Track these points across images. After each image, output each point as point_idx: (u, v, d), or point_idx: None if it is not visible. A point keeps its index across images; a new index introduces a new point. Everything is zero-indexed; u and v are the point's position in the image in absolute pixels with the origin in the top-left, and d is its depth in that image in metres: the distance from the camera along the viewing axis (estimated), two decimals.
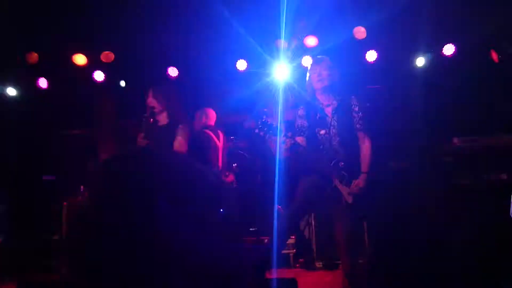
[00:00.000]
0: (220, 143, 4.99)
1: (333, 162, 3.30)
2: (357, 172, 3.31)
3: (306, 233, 5.57)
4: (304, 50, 6.07)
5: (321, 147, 3.35)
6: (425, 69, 5.95)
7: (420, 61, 5.96)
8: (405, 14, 5.56)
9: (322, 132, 3.36)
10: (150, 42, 6.58)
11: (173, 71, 6.58)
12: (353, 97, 3.41)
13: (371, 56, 5.97)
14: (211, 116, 5.28)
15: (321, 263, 5.22)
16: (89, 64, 6.42)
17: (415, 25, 5.54)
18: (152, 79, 6.98)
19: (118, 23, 5.89)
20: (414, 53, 5.94)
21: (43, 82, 6.70)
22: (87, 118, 7.32)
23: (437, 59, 5.93)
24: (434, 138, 5.51)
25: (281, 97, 7.07)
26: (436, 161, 5.43)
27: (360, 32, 5.77)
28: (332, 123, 3.34)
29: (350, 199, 3.28)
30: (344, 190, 3.30)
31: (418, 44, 5.77)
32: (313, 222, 5.36)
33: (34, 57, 6.23)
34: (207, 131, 5.01)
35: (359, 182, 3.27)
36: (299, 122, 3.46)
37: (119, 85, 6.77)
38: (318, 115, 3.38)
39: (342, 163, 3.29)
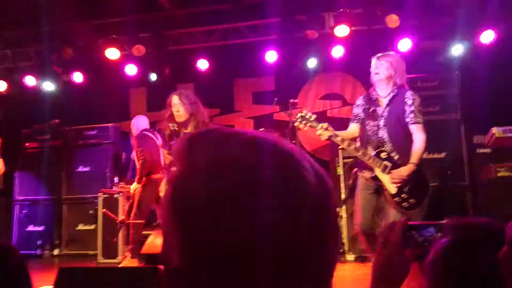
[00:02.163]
0: (159, 142, 5.19)
1: (374, 152, 3.31)
2: (402, 163, 3.28)
3: None
4: (334, 39, 5.96)
5: (369, 139, 3.41)
6: (462, 58, 5.74)
7: (457, 50, 5.75)
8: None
9: (372, 124, 3.42)
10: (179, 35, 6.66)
11: (203, 64, 6.61)
12: (409, 91, 3.44)
13: (405, 45, 5.80)
14: (146, 121, 5.40)
15: (352, 256, 5.17)
16: (121, 58, 6.53)
17: (451, 10, 5.34)
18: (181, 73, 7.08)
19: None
20: (450, 41, 5.73)
21: (78, 77, 6.89)
22: (119, 111, 7.48)
23: (475, 47, 5.71)
24: (471, 128, 5.32)
25: (311, 88, 7.02)
26: (473, 152, 5.25)
27: (392, 20, 5.61)
28: (383, 114, 3.39)
29: (393, 190, 3.24)
30: (385, 179, 3.26)
31: (454, 32, 5.56)
32: (343, 215, 5.30)
33: (69, 52, 6.40)
34: (147, 133, 5.18)
35: (403, 171, 3.23)
36: (355, 110, 3.59)
37: (150, 79, 6.87)
38: (372, 108, 3.46)
39: (385, 153, 3.29)
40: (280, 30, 6.02)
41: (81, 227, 6.17)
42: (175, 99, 3.71)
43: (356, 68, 6.66)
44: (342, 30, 5.75)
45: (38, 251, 6.16)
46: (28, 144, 6.72)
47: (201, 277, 0.54)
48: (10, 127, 6.59)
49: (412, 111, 3.32)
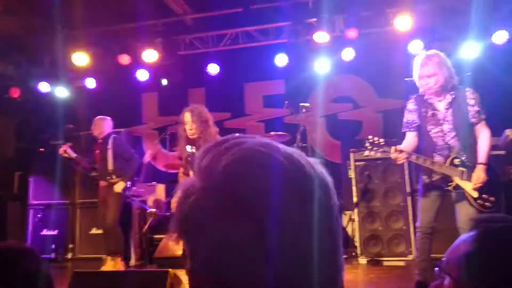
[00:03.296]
0: None
1: (449, 161, 3.23)
2: (472, 163, 3.21)
3: (349, 229, 5.49)
4: (345, 42, 5.95)
5: (437, 147, 3.28)
6: (474, 59, 5.68)
7: (469, 51, 5.69)
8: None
9: (436, 130, 3.28)
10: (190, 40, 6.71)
11: (213, 68, 6.64)
12: (468, 89, 3.27)
13: (416, 46, 5.76)
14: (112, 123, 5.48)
15: (365, 259, 5.14)
16: (133, 64, 6.60)
17: (463, 11, 5.29)
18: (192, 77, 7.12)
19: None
20: (462, 42, 5.68)
21: (90, 82, 6.98)
22: (132, 115, 7.55)
23: (488, 48, 5.65)
24: None
25: (322, 91, 7.00)
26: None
27: (403, 22, 5.58)
28: (447, 118, 3.25)
29: (475, 194, 3.19)
30: (465, 185, 3.21)
31: (466, 32, 5.50)
32: (356, 218, 5.28)
33: (83, 58, 6.48)
34: (117, 136, 5.36)
35: (480, 174, 3.16)
36: (409, 116, 3.39)
37: (161, 83, 6.92)
38: (430, 112, 3.29)
39: (458, 159, 3.22)
40: (290, 33, 6.03)
41: (94, 231, 6.22)
42: (187, 117, 3.80)
43: (367, 71, 6.64)
44: (352, 33, 5.74)
45: (52, 255, 6.23)
46: (42, 149, 6.81)
47: (214, 279, 0.56)
48: (24, 132, 6.70)
49: (477, 111, 3.22)
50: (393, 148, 3.18)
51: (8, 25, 5.87)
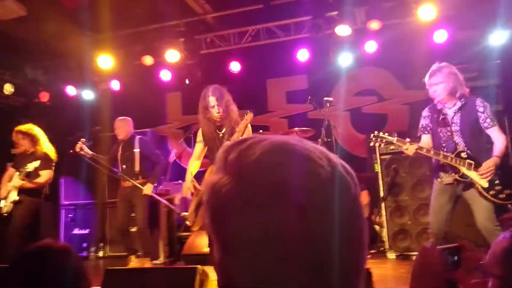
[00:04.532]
0: None
1: (455, 153, 3.40)
2: (483, 159, 3.36)
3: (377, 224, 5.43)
4: (367, 34, 5.87)
5: (444, 144, 3.48)
6: (503, 46, 5.51)
7: (497, 38, 5.52)
8: None
9: (445, 130, 3.52)
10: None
11: (235, 66, 6.66)
12: (478, 99, 3.49)
13: (441, 36, 5.63)
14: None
15: (394, 254, 5.08)
16: (156, 64, 6.68)
17: None
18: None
19: None
20: (489, 30, 5.51)
21: (115, 84, 7.12)
22: (156, 115, 7.67)
23: None
24: None
25: (345, 85, 6.93)
26: None
27: (427, 11, 5.45)
28: (454, 121, 3.48)
29: (485, 183, 3.31)
30: (473, 175, 3.34)
31: (494, 19, 5.34)
32: (383, 212, 5.21)
33: (108, 61, 6.60)
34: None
35: (490, 163, 3.31)
36: (424, 122, 3.67)
37: (184, 83, 6.99)
38: (441, 117, 3.55)
39: (465, 153, 3.39)
40: (311, 28, 5.98)
41: None
42: (212, 101, 3.75)
43: (390, 63, 6.53)
44: (374, 25, 5.65)
45: (84, 253, 6.40)
46: (71, 151, 6.98)
47: (236, 269, 0.58)
48: (54, 135, 6.88)
49: (487, 117, 3.42)
50: (395, 138, 3.47)
51: (36, 30, 6.04)
